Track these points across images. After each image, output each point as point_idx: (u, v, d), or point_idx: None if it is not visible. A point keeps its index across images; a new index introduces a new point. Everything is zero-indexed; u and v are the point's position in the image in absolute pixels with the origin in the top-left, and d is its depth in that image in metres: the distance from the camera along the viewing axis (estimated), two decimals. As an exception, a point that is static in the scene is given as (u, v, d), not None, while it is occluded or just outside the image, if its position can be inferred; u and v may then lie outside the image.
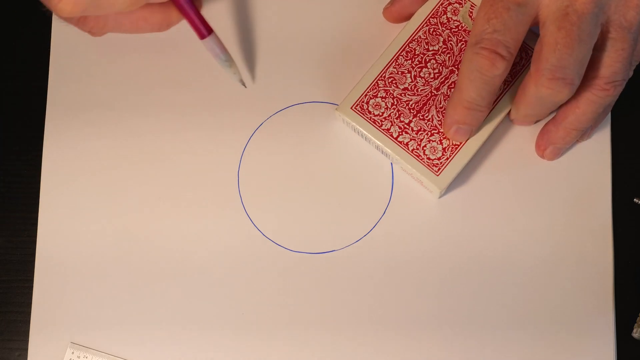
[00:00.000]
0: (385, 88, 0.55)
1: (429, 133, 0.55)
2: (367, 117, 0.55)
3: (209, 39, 0.54)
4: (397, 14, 0.57)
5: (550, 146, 0.55)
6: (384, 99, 0.55)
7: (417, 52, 0.55)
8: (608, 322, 0.55)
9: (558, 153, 0.56)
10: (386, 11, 0.57)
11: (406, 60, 0.55)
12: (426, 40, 0.55)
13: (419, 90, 0.55)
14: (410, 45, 0.56)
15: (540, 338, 0.55)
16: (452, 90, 0.55)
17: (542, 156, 0.56)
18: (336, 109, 0.55)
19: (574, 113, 0.53)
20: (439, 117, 0.55)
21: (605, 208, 0.56)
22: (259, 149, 0.57)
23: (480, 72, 0.50)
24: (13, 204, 0.57)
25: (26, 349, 0.55)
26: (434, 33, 0.56)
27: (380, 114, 0.55)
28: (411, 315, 0.55)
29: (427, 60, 0.55)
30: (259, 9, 0.59)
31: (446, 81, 0.55)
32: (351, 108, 0.55)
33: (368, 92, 0.55)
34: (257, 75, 0.58)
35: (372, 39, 0.58)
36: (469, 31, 0.55)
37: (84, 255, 0.56)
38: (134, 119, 0.58)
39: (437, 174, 0.54)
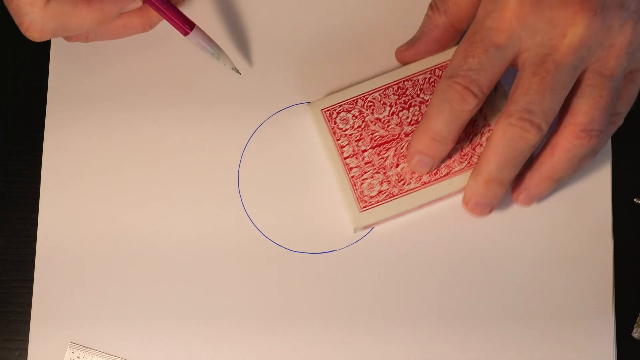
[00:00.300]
0: (361, 109, 0.55)
1: (376, 170, 0.54)
2: (330, 126, 0.55)
3: (192, 35, 0.53)
4: (410, 59, 0.56)
5: (524, 191, 0.54)
6: (354, 118, 0.55)
7: (407, 92, 0.55)
8: (608, 322, 0.55)
9: (532, 200, 0.54)
10: (399, 53, 0.56)
11: (394, 94, 0.55)
12: (421, 87, 0.55)
13: (390, 127, 0.55)
14: (405, 82, 0.55)
15: (540, 338, 0.55)
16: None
17: (516, 200, 0.54)
18: (309, 104, 0.55)
19: (549, 161, 0.52)
20: (393, 160, 0.54)
21: (605, 208, 0.56)
22: (259, 149, 0.57)
23: (450, 105, 0.50)
24: (13, 204, 0.57)
25: (26, 349, 0.55)
26: (432, 84, 0.55)
27: (344, 129, 0.55)
28: (411, 315, 0.55)
29: (412, 104, 0.55)
30: (260, 9, 0.59)
31: None
32: (322, 110, 0.55)
33: (344, 104, 0.55)
34: (258, 75, 0.58)
35: (374, 45, 0.58)
36: None
37: (84, 255, 0.56)
38: (134, 119, 0.58)
39: (361, 210, 0.54)
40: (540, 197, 0.54)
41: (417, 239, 0.56)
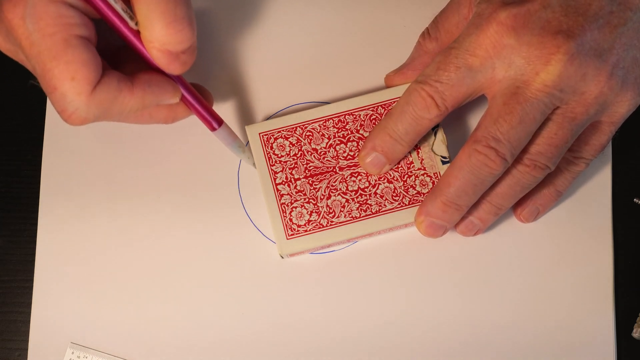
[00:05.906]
0: (299, 137, 0.55)
1: (307, 200, 0.54)
2: (266, 151, 0.54)
3: (220, 131, 0.53)
4: (399, 83, 0.56)
5: (466, 218, 0.54)
6: (291, 145, 0.55)
7: (347, 127, 0.55)
8: (608, 322, 0.55)
9: (471, 228, 0.54)
10: (388, 79, 0.56)
11: (334, 126, 0.55)
12: (361, 122, 0.55)
13: (325, 159, 0.55)
14: (346, 116, 0.55)
15: (540, 338, 0.55)
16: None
17: (457, 231, 0.55)
18: (247, 126, 0.55)
19: (492, 186, 0.52)
20: (324, 193, 0.54)
21: (605, 208, 0.56)
22: (259, 149, 0.57)
23: (412, 107, 0.51)
24: (13, 204, 0.57)
25: (26, 349, 0.55)
26: (373, 121, 0.55)
27: (279, 155, 0.54)
28: (411, 315, 0.55)
29: (350, 139, 0.55)
30: (259, 9, 0.59)
31: (352, 167, 0.54)
32: (260, 133, 0.55)
33: (283, 130, 0.55)
34: (257, 75, 0.58)
35: (368, 44, 0.58)
36: None
37: (84, 255, 0.56)
38: (134, 119, 0.58)
39: (288, 237, 0.54)
40: (484, 225, 0.54)
41: (418, 239, 0.56)
